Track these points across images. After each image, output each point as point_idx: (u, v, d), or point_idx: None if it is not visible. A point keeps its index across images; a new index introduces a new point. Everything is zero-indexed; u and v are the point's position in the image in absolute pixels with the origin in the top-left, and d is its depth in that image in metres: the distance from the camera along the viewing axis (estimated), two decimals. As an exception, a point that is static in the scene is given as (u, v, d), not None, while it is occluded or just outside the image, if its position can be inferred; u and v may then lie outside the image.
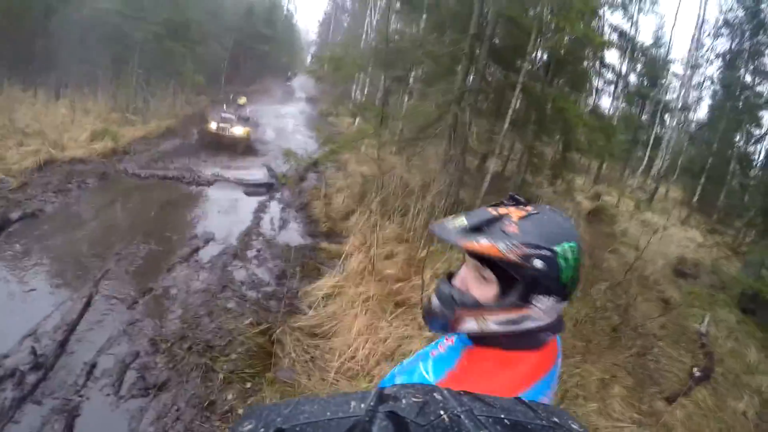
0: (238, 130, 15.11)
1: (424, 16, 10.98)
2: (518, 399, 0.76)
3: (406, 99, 12.26)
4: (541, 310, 1.14)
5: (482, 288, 1.17)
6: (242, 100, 18.68)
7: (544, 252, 1.09)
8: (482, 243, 1.09)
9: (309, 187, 10.82)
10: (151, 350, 4.91)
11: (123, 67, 17.80)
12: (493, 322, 1.15)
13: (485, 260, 1.14)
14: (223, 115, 15.98)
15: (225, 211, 9.31)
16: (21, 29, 17.94)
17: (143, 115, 17.02)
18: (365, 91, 22.30)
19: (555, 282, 1.11)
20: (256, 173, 12.22)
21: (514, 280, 1.12)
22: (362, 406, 0.68)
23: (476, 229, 1.11)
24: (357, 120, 17.28)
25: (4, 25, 17.17)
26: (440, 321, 1.21)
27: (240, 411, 4.17)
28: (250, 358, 4.80)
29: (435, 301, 1.22)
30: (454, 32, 9.14)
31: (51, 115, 14.18)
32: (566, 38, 9.02)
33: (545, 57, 9.82)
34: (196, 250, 7.33)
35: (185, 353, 4.84)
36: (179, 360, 4.76)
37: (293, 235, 8.48)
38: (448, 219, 1.18)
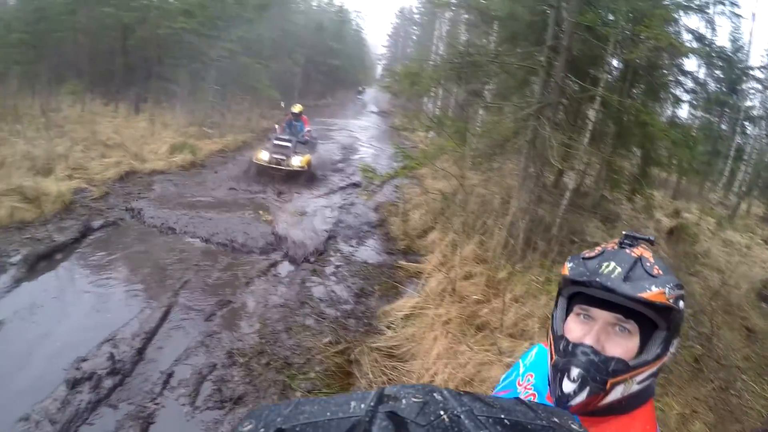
0: (297, 161, 12.15)
1: (496, 27, 10.82)
2: (518, 399, 0.75)
3: (480, 113, 12.12)
4: (672, 354, 1.05)
5: (625, 344, 1.03)
6: (297, 108, 14.04)
7: (683, 292, 1.02)
8: (654, 291, 0.98)
9: (385, 203, 10.75)
10: (228, 363, 4.94)
11: (200, 83, 18.36)
12: (637, 383, 1.02)
13: (631, 310, 1.01)
14: (277, 141, 12.61)
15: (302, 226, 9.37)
16: (101, 48, 19.11)
17: (220, 128, 17.38)
18: (437, 105, 22.08)
19: (682, 319, 1.04)
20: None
21: (654, 328, 1.02)
22: (362, 406, 0.68)
23: (628, 277, 0.99)
24: (431, 134, 17.12)
25: (85, 43, 18.25)
26: (582, 401, 1.02)
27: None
28: (328, 377, 4.77)
29: (573, 376, 1.03)
30: (528, 44, 8.95)
31: (131, 129, 14.74)
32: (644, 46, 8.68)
33: (622, 67, 9.49)
34: (274, 264, 7.35)
35: (263, 369, 4.86)
36: (256, 375, 4.78)
37: (371, 252, 8.39)
38: (591, 261, 1.06)
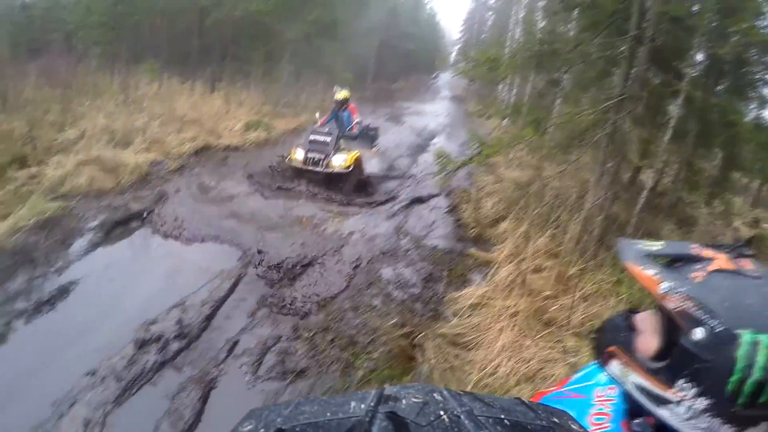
0: (339, 159, 9.65)
1: (576, 14, 10.44)
2: (518, 399, 0.76)
3: (557, 103, 11.78)
4: (682, 407, 0.84)
5: (650, 338, 0.94)
6: (341, 94, 10.90)
7: (715, 325, 0.80)
8: (647, 272, 0.89)
9: (457, 189, 10.43)
10: (293, 336, 5.01)
11: (275, 64, 18.66)
12: (632, 381, 0.93)
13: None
14: (314, 137, 9.99)
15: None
16: (177, 29, 19.86)
17: (294, 108, 17.56)
18: (513, 92, 21.56)
19: (717, 379, 0.79)
20: None
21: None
22: (362, 406, 0.69)
23: (660, 258, 0.91)
24: (505, 122, 16.74)
25: (162, 25, 18.88)
26: (598, 346, 1.04)
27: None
28: (391, 359, 4.75)
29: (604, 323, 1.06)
30: (610, 33, 8.62)
31: (207, 106, 15.04)
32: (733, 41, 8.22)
33: (708, 62, 9.01)
34: (342, 245, 7.34)
35: (327, 345, 4.89)
36: (320, 351, 4.82)
37: (441, 238, 8.21)
38: (645, 241, 0.98)
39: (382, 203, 9.63)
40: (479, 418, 0.66)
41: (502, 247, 7.39)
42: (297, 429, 0.64)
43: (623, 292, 5.74)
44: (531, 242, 6.86)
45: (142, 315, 4.96)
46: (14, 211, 6.67)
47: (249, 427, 0.66)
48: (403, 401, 0.69)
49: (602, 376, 1.15)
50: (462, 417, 0.66)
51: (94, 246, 6.34)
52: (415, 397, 0.70)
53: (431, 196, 10.24)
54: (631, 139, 7.76)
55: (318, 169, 9.51)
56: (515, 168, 10.77)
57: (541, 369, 4.54)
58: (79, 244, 6.33)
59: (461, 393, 0.74)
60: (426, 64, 46.56)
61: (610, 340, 1.00)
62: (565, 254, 6.79)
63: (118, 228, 6.94)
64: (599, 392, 1.15)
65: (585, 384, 1.21)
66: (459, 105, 30.40)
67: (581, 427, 0.72)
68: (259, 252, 6.60)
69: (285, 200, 8.96)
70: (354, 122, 10.54)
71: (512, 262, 6.54)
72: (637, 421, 0.95)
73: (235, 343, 4.80)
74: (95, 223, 6.89)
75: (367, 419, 0.64)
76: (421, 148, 15.34)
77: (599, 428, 1.04)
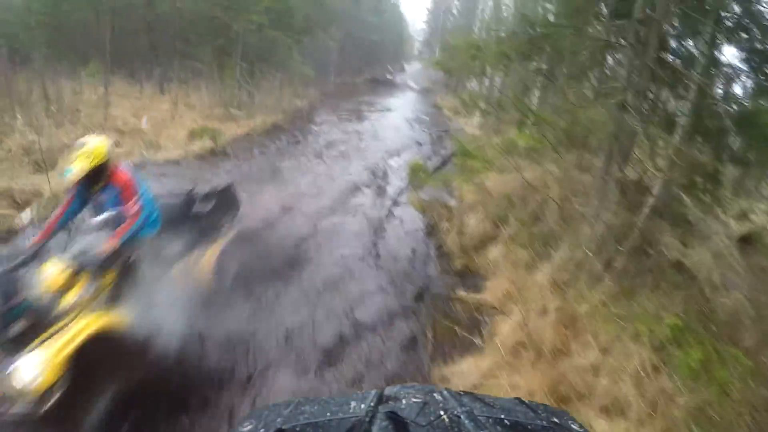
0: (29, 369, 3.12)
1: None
2: (518, 399, 0.84)
3: (536, 96, 10.51)
4: None
5: None
6: (86, 152, 3.70)
7: None
8: None
9: (434, 202, 8.67)
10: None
11: (226, 59, 16.99)
12: None
13: None
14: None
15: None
16: (126, 26, 18.15)
17: (248, 109, 15.94)
18: (489, 85, 19.88)
19: None
20: None
21: None
22: (362, 406, 0.74)
23: None
24: (483, 118, 15.26)
25: (110, 21, 17.05)
26: None
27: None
28: None
29: None
30: (610, 16, 7.43)
31: (153, 111, 13.66)
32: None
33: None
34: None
35: None
36: None
37: (420, 274, 6.69)
38: None
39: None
40: (479, 418, 0.72)
41: (496, 281, 5.98)
42: (297, 429, 0.69)
43: (643, 331, 4.46)
44: (529, 274, 5.58)
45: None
46: None
47: (249, 427, 0.72)
48: (403, 401, 0.76)
49: None
50: (462, 417, 0.71)
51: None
52: (416, 397, 0.77)
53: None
54: (641, 140, 6.52)
55: None
56: (499, 172, 9.15)
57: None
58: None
59: (461, 393, 0.83)
60: (391, 55, 45.42)
61: None
62: (569, 284, 5.47)
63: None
64: None
65: None
66: (426, 98, 29.24)
67: (581, 426, 0.78)
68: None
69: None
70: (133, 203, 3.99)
71: (511, 308, 5.21)
72: None
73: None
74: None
75: (367, 419, 0.69)
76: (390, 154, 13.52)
77: None
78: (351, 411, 0.72)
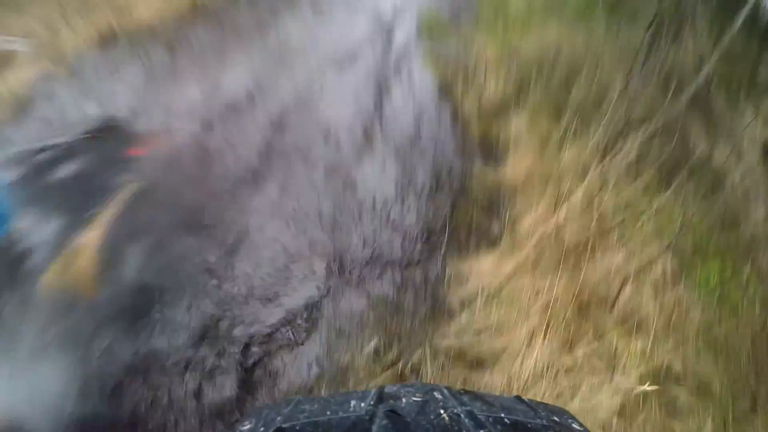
0: None
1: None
2: (518, 398, 0.83)
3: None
4: None
5: None
6: None
7: None
8: None
9: (450, 58, 7.43)
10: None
11: None
12: None
13: None
14: None
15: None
16: None
17: None
18: None
19: None
20: None
21: None
22: (362, 404, 0.74)
23: None
24: None
25: None
26: None
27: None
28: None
29: None
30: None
31: None
32: None
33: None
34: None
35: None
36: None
37: (433, 142, 5.91)
38: None
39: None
40: (479, 416, 0.71)
41: (518, 158, 5.36)
42: (297, 427, 0.68)
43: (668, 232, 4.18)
44: (556, 151, 5.13)
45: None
46: None
47: (249, 426, 0.73)
48: (403, 400, 0.76)
49: None
50: (462, 416, 0.71)
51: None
52: (416, 396, 0.77)
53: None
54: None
55: None
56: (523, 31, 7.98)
57: (592, 407, 3.12)
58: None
59: (461, 392, 0.83)
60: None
61: None
62: (597, 156, 4.95)
63: None
64: None
65: None
66: None
67: (581, 425, 0.78)
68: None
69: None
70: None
71: (534, 187, 4.79)
72: None
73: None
74: None
75: (367, 418, 0.69)
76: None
77: None
78: (351, 409, 0.71)
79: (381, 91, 6.87)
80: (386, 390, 0.81)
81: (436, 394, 0.78)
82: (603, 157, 4.96)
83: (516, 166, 5.30)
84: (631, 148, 4.95)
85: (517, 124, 5.93)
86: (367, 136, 5.94)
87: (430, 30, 7.33)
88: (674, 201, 4.49)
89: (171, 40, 7.43)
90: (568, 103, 5.67)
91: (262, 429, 0.70)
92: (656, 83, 5.91)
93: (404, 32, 8.42)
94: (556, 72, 6.34)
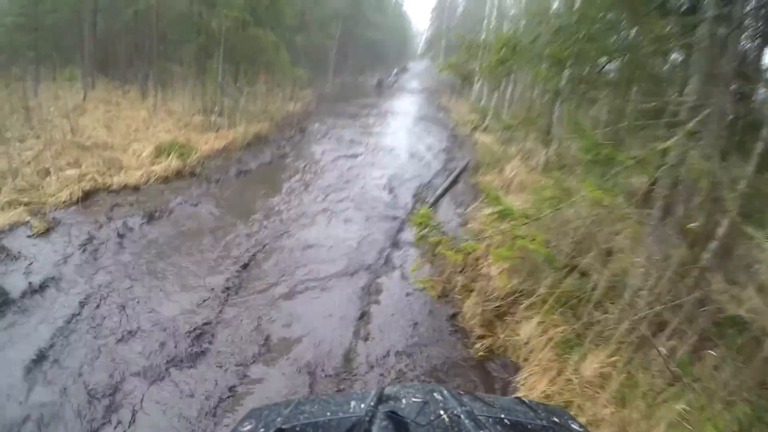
0: None
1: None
2: (518, 398, 0.82)
3: (557, 112, 8.81)
4: None
5: None
6: None
7: None
8: None
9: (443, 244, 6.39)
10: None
11: (207, 61, 15.22)
12: None
13: None
14: None
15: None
16: (111, 27, 16.91)
17: (231, 116, 13.93)
18: (510, 94, 17.75)
19: None
20: None
21: None
22: (362, 405, 0.73)
23: None
24: (505, 134, 13.35)
25: (89, 23, 15.41)
26: None
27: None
28: None
29: None
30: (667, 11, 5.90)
31: (128, 120, 12.31)
32: None
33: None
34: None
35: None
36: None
37: (428, 362, 4.82)
38: None
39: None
40: (479, 417, 0.71)
41: (532, 375, 4.36)
42: (297, 428, 0.68)
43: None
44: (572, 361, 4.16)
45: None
46: None
47: (249, 427, 0.70)
48: (403, 401, 0.75)
49: None
50: (462, 417, 0.71)
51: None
52: (415, 397, 0.76)
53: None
54: (718, 178, 4.87)
55: None
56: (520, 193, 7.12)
57: None
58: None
59: (462, 392, 0.82)
60: (394, 54, 44.46)
61: None
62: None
63: None
64: None
65: None
66: (432, 101, 27.37)
67: (581, 425, 0.77)
68: None
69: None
70: None
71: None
72: None
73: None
74: None
75: (367, 419, 0.68)
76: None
77: None
78: (351, 410, 0.70)
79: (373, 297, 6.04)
80: (386, 391, 0.78)
81: (436, 395, 0.76)
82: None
83: (530, 387, 4.32)
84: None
85: (527, 328, 5.01)
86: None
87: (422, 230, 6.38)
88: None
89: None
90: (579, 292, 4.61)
91: (262, 430, 0.67)
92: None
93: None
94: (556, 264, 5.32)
